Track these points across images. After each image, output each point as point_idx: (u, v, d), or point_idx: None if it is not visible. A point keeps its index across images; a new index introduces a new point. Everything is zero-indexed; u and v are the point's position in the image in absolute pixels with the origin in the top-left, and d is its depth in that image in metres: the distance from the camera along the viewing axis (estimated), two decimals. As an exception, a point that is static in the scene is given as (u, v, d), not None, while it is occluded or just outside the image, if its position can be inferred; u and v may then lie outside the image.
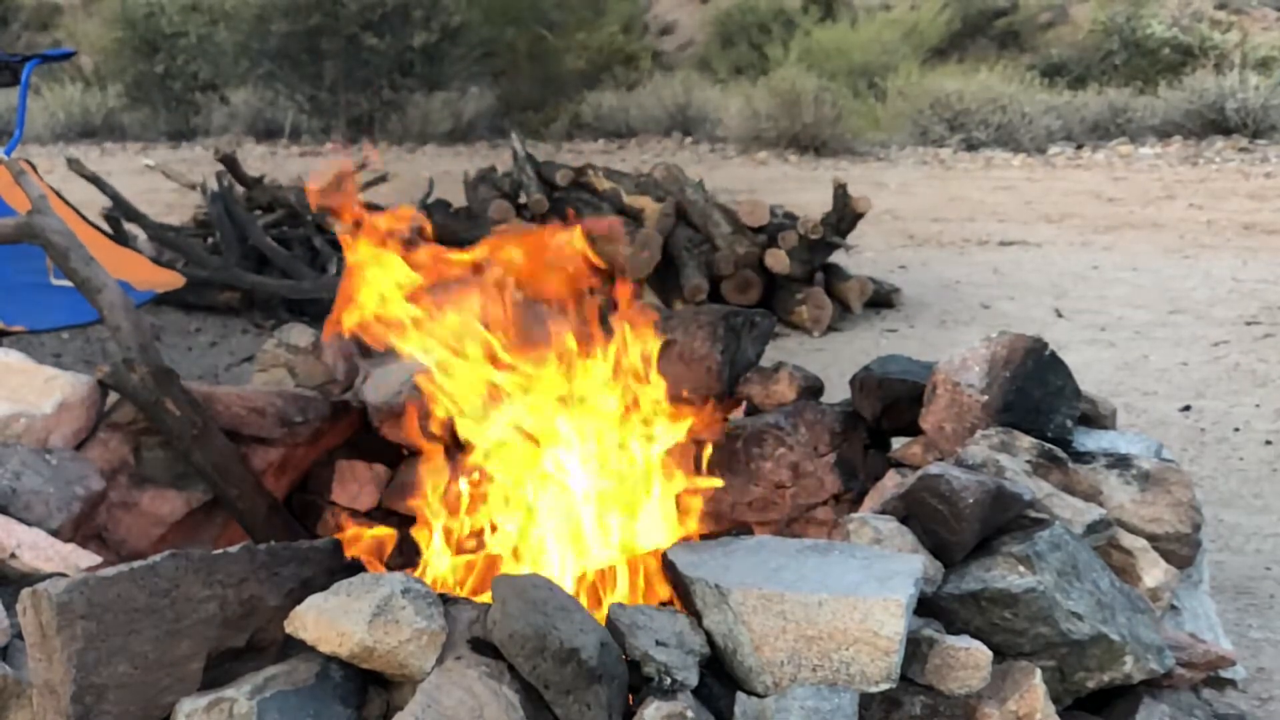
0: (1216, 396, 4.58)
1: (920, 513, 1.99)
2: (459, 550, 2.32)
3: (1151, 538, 2.19)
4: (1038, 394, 2.41)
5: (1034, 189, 10.56)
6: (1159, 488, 2.26)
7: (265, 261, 6.07)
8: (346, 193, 2.48)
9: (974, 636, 1.84)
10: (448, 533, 2.33)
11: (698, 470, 2.44)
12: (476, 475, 2.34)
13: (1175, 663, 1.95)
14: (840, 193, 6.15)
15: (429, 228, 2.43)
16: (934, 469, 2.01)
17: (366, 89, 15.15)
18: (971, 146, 13.01)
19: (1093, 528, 2.10)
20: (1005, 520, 2.00)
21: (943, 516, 1.95)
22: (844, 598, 1.72)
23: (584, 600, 1.97)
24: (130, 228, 6.15)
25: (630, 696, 1.72)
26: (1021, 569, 1.89)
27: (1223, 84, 12.96)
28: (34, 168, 3.60)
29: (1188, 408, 4.43)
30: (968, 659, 1.78)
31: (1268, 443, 4.03)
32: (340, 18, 14.64)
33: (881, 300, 6.31)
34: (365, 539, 2.43)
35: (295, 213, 6.41)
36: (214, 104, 17.00)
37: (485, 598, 1.80)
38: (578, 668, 1.65)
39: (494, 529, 2.31)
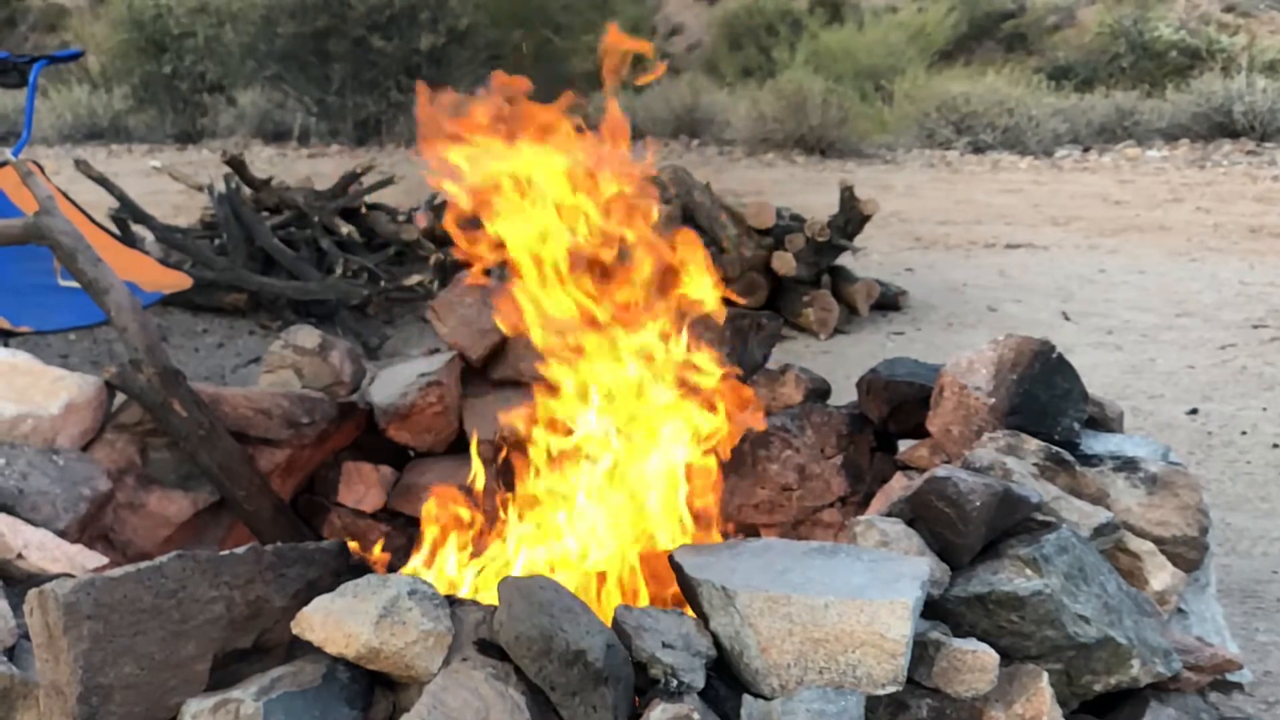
0: (1223, 400, 4.57)
1: (927, 515, 1.98)
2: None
3: (1158, 541, 2.19)
4: (1045, 397, 2.41)
5: (1041, 192, 10.56)
6: (1166, 491, 2.26)
7: (272, 263, 6.08)
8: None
9: (981, 639, 1.84)
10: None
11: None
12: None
13: (1182, 666, 1.95)
14: (847, 195, 6.14)
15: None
16: (941, 472, 2.01)
17: (374, 91, 15.15)
18: (978, 149, 13.01)
19: (1100, 531, 2.09)
20: (1012, 523, 1.99)
21: (949, 519, 1.94)
22: (850, 600, 1.72)
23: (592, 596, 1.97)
24: (137, 229, 6.16)
25: (636, 698, 1.72)
26: (1029, 572, 1.88)
27: (1230, 87, 12.96)
28: (41, 169, 3.60)
29: (1195, 411, 4.42)
30: (974, 662, 1.77)
31: (1275, 446, 4.02)
32: (347, 20, 14.66)
33: (888, 303, 6.30)
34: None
35: (302, 214, 6.42)
36: (221, 106, 17.02)
37: (492, 599, 1.80)
38: (584, 669, 1.65)
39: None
